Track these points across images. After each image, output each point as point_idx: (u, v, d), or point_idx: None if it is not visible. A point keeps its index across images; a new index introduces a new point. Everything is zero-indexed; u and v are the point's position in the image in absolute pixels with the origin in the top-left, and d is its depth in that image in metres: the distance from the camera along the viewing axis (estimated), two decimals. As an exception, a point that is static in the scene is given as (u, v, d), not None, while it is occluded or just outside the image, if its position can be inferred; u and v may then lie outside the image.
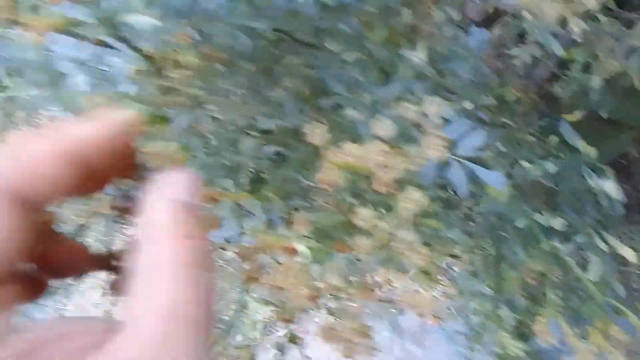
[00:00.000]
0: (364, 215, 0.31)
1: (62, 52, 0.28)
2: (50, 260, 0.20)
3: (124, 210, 0.23)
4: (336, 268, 0.32)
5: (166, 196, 0.19)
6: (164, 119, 0.23)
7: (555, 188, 0.67)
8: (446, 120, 0.38)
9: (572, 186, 0.56)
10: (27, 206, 0.17)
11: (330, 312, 0.35)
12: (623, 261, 0.52)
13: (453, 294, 0.67)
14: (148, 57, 0.29)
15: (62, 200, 0.19)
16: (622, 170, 1.11)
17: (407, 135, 0.34)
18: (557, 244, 0.48)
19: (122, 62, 0.30)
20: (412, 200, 0.31)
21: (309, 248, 0.33)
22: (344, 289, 0.35)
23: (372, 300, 0.44)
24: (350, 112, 0.48)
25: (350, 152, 0.30)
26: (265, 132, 0.46)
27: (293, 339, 0.45)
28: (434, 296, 0.72)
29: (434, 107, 0.31)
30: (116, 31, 0.25)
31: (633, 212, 1.11)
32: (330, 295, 0.40)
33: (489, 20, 1.08)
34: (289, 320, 0.35)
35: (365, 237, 0.31)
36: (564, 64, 0.99)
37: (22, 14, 0.22)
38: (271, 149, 0.45)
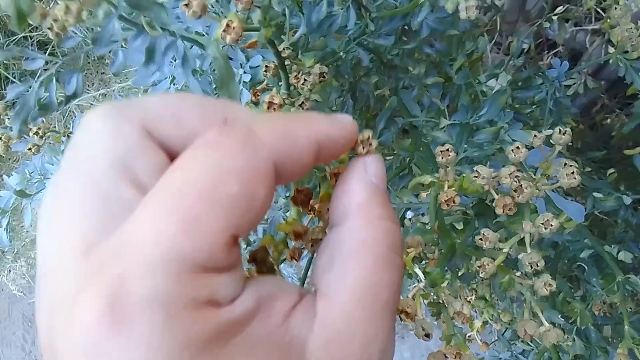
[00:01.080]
0: (488, 237, 0.31)
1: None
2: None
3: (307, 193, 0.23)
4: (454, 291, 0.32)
5: (364, 179, 0.20)
6: None
7: (614, 222, 0.67)
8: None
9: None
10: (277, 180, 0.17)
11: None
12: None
13: (505, 321, 0.67)
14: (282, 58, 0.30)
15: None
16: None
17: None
18: (632, 275, 0.48)
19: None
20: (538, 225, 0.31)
21: (424, 272, 0.33)
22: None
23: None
24: (435, 134, 0.48)
25: (481, 174, 0.30)
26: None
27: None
28: (484, 322, 0.71)
29: (560, 135, 0.31)
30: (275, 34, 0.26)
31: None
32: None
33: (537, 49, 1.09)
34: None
35: (488, 259, 0.31)
36: (613, 97, 1.00)
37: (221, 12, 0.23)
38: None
